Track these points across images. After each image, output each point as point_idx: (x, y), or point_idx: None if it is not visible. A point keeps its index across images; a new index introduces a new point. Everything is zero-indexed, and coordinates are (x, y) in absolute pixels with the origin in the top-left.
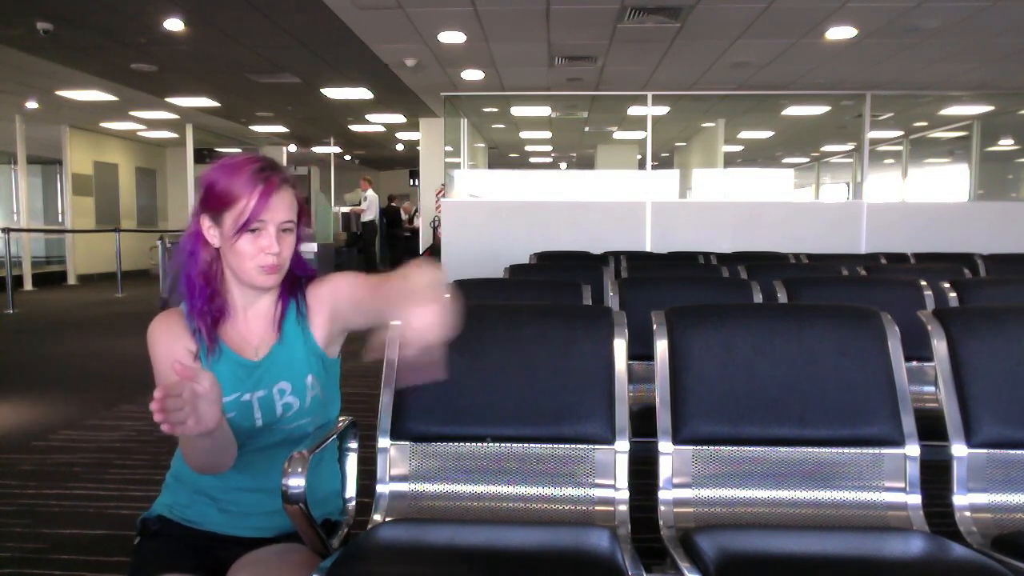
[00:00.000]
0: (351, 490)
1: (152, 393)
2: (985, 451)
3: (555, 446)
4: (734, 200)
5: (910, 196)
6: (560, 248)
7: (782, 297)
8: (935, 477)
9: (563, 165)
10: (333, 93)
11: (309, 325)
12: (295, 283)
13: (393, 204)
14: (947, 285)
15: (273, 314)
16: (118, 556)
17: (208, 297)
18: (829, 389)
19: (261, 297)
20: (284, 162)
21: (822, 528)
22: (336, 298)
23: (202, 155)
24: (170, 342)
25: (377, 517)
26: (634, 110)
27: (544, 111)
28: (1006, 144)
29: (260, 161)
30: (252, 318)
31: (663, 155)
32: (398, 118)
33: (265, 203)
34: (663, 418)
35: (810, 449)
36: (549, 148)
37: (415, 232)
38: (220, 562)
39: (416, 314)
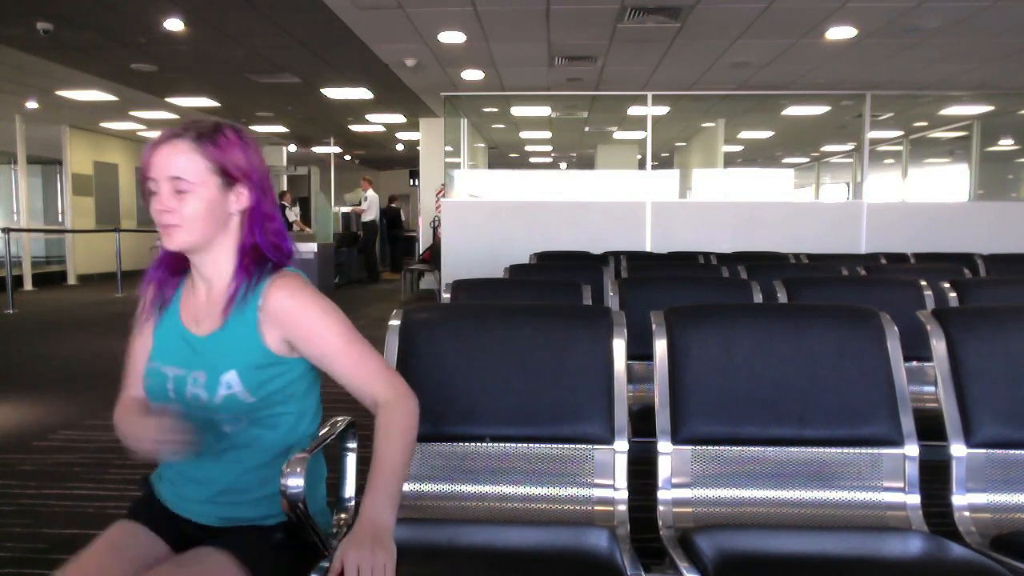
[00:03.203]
0: (351, 490)
1: None
2: (984, 451)
3: (554, 446)
4: (734, 200)
5: (910, 196)
6: (560, 248)
7: (782, 297)
8: (934, 477)
9: (563, 165)
10: (333, 93)
11: (259, 323)
12: (259, 263)
13: (394, 205)
14: (947, 285)
15: (227, 296)
16: None
17: (156, 265)
18: (828, 389)
19: (218, 272)
20: (284, 162)
21: (821, 528)
22: (294, 335)
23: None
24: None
25: None
26: (634, 110)
27: (544, 111)
28: (1006, 144)
29: (178, 126)
30: (216, 294)
31: (663, 155)
32: (398, 118)
33: (149, 159)
34: (662, 418)
35: (809, 449)
36: (549, 148)
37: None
38: (187, 539)
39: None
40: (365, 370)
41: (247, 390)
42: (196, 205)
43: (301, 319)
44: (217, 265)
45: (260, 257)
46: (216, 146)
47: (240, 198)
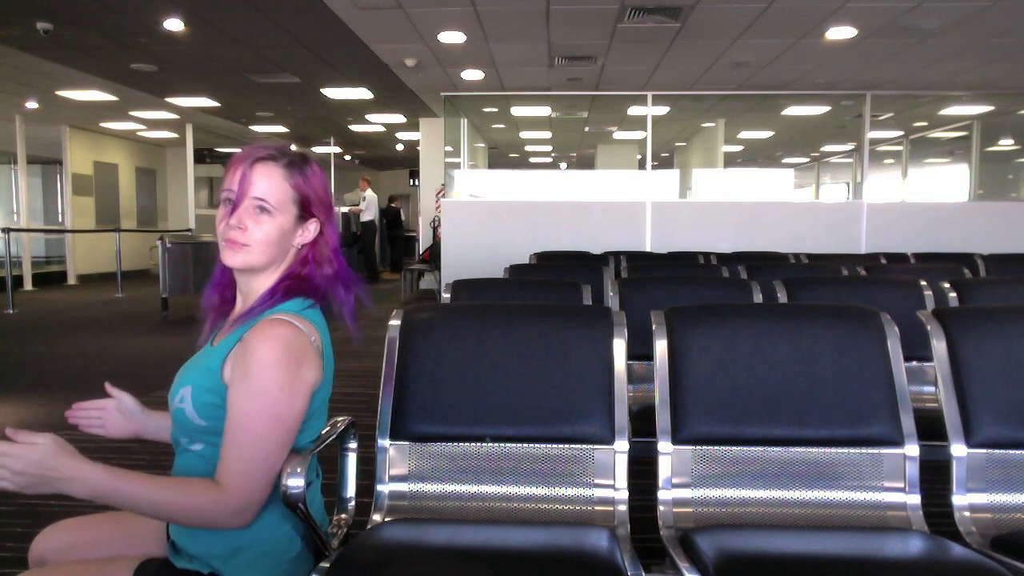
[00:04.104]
0: (351, 490)
1: (152, 393)
2: (984, 451)
3: (554, 446)
4: (734, 200)
5: (910, 196)
6: (560, 248)
7: (782, 297)
8: (934, 477)
9: (563, 165)
10: (333, 93)
11: (232, 349)
12: (291, 293)
13: (394, 205)
14: (947, 285)
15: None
16: None
17: (213, 286)
18: (829, 389)
19: (254, 291)
20: None
21: (821, 528)
22: (232, 375)
23: (202, 155)
24: None
25: (376, 517)
26: (634, 110)
27: (544, 111)
28: (1006, 144)
29: (268, 146)
30: (241, 310)
31: (663, 155)
32: (398, 118)
33: (235, 174)
34: (662, 418)
35: (809, 449)
36: (549, 148)
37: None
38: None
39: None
40: (234, 451)
41: (195, 409)
42: (269, 231)
43: (240, 363)
44: (258, 283)
45: (297, 289)
46: (304, 177)
47: (306, 233)
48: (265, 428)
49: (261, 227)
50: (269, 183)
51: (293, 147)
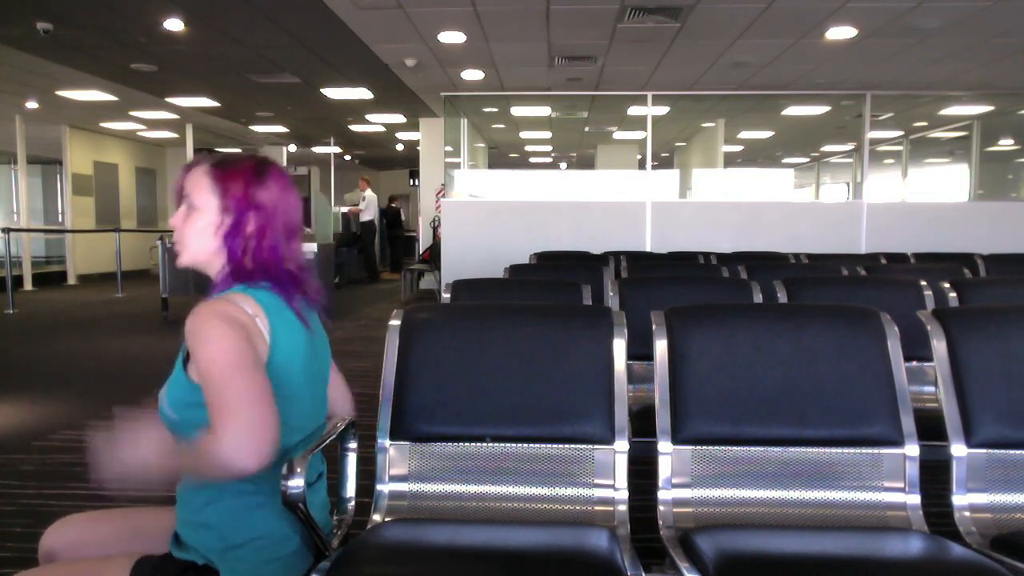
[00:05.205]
0: (351, 490)
1: (152, 393)
2: (984, 451)
3: (554, 446)
4: (734, 200)
5: (910, 196)
6: (560, 248)
7: (782, 297)
8: (934, 477)
9: (563, 165)
10: (333, 93)
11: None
12: (235, 278)
13: (394, 205)
14: (947, 285)
15: None
16: None
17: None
18: (829, 389)
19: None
20: (284, 162)
21: (821, 528)
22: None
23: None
24: None
25: (377, 517)
26: (634, 110)
27: (544, 111)
28: (1006, 144)
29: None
30: None
31: (663, 155)
32: (398, 118)
33: (179, 182)
34: (662, 418)
35: (809, 449)
36: (549, 148)
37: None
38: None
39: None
40: (212, 399)
41: (169, 406)
42: (195, 224)
43: (192, 342)
44: (215, 278)
45: (235, 275)
46: (224, 171)
47: (235, 223)
48: (226, 374)
49: (188, 223)
50: (194, 182)
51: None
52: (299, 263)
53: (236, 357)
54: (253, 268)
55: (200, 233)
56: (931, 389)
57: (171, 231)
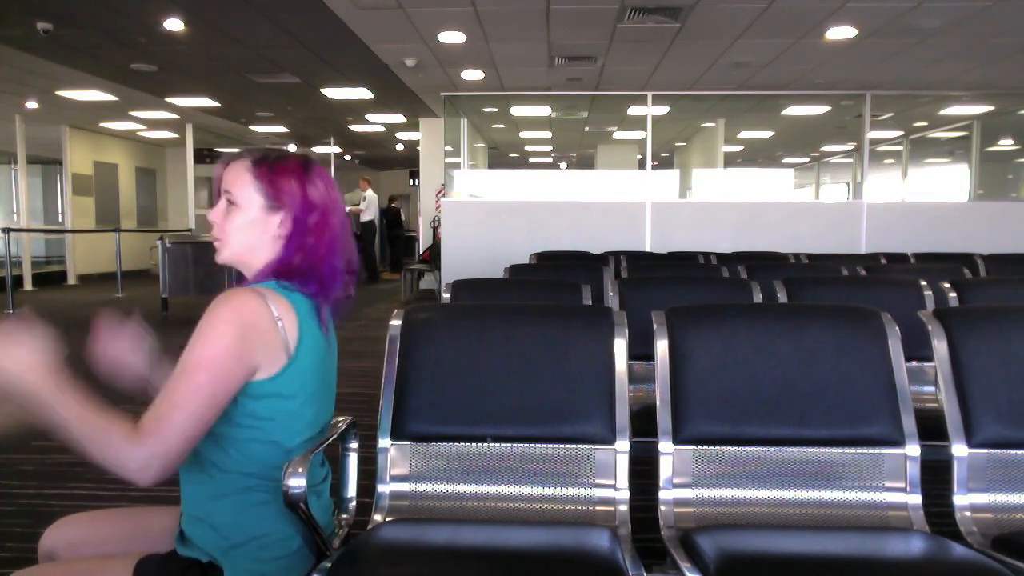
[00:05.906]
0: (351, 490)
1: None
2: (985, 451)
3: (555, 446)
4: (734, 200)
5: (910, 196)
6: (560, 248)
7: (782, 297)
8: (935, 477)
9: (563, 165)
10: (333, 93)
11: None
12: (267, 276)
13: (394, 205)
14: (947, 285)
15: None
16: None
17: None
18: (829, 389)
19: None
20: None
21: (822, 528)
22: None
23: (202, 155)
24: None
25: (377, 517)
26: (634, 110)
27: (544, 111)
28: (1006, 144)
29: (250, 149)
30: None
31: (663, 155)
32: (398, 118)
33: (218, 176)
34: (663, 418)
35: (810, 449)
36: (549, 148)
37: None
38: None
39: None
40: (165, 393)
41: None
42: (236, 220)
43: (200, 325)
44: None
45: (277, 272)
46: (270, 169)
47: (279, 222)
48: (201, 379)
49: (230, 219)
50: (235, 177)
51: (293, 148)
52: (352, 260)
53: (223, 373)
54: (302, 267)
55: (242, 229)
56: (932, 389)
57: (171, 231)
